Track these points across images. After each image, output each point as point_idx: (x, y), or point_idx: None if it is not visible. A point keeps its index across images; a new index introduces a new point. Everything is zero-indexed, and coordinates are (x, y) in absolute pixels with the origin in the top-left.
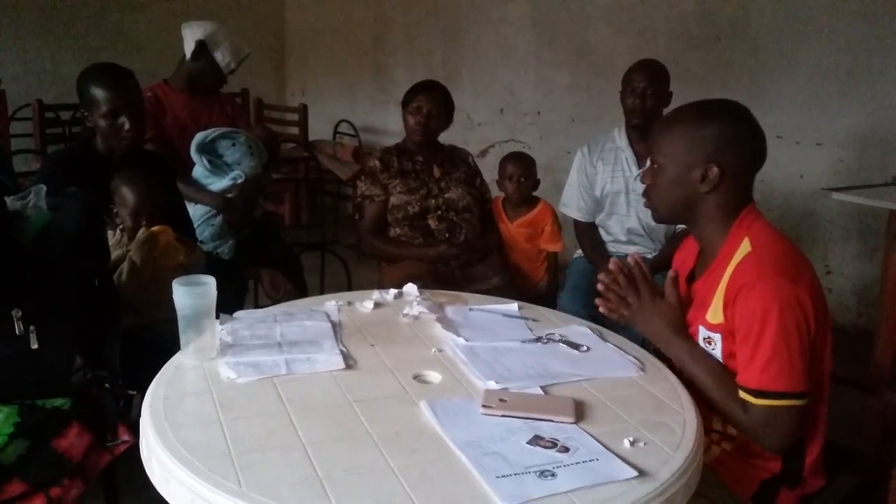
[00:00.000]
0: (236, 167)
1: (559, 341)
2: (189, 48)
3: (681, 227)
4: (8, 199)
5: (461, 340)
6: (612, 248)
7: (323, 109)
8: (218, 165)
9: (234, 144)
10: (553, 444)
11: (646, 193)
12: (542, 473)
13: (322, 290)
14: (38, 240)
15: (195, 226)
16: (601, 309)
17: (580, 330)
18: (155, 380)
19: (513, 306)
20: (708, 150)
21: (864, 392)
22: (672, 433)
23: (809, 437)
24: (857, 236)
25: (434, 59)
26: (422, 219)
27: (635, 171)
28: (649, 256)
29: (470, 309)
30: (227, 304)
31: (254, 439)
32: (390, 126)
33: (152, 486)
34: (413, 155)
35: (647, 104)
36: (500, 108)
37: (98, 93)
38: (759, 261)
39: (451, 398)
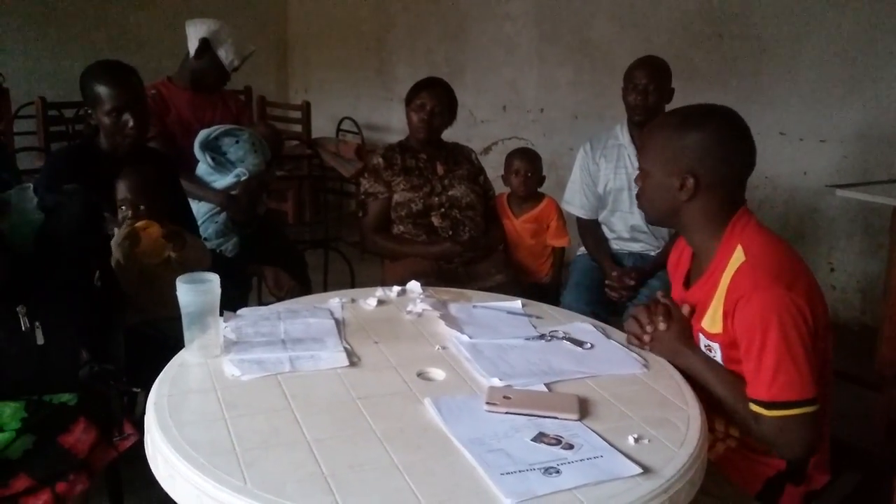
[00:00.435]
0: (240, 164)
1: (563, 338)
2: (193, 46)
3: None
4: None
5: (465, 337)
6: (615, 245)
7: (326, 107)
8: (221, 163)
9: (237, 142)
10: (557, 441)
11: (638, 196)
12: (547, 470)
13: (325, 288)
14: (39, 236)
15: (199, 223)
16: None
17: (584, 327)
18: (159, 377)
19: (516, 303)
20: (686, 159)
21: (867, 389)
22: (676, 430)
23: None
24: (860, 233)
25: (437, 57)
26: (425, 216)
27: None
28: (652, 254)
29: (473, 306)
30: (231, 302)
31: (258, 436)
32: (393, 123)
33: (157, 483)
34: (416, 152)
35: (648, 101)
36: (503, 105)
37: (101, 90)
38: (753, 271)
39: (455, 395)
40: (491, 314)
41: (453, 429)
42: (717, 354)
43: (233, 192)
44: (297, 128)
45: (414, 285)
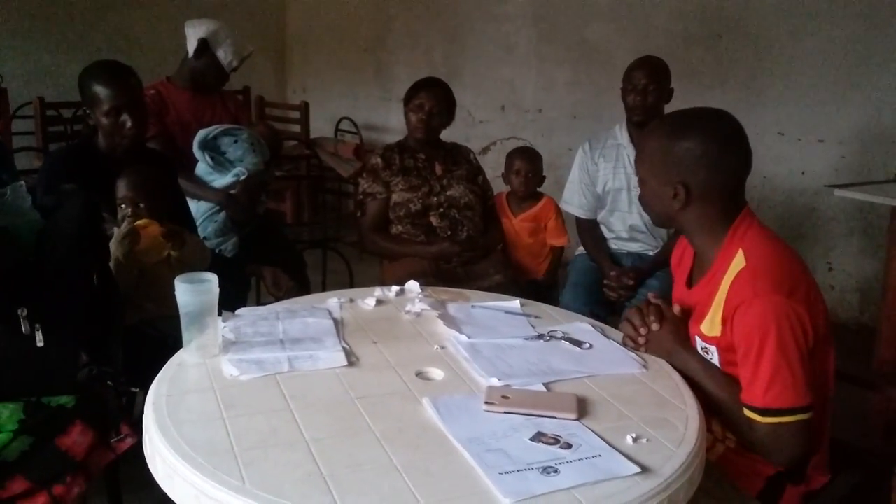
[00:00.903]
0: (239, 164)
1: (561, 338)
2: (192, 46)
3: None
4: None
5: (463, 337)
6: (613, 245)
7: (324, 107)
8: (220, 162)
9: (236, 141)
10: (556, 441)
11: (640, 200)
12: (545, 470)
13: (324, 288)
14: (40, 238)
15: (199, 223)
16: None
17: (582, 327)
18: (157, 377)
19: (515, 303)
20: (678, 168)
21: (866, 389)
22: (675, 429)
23: (815, 437)
24: (859, 233)
25: (435, 57)
26: (424, 216)
27: None
28: (650, 253)
29: (472, 306)
30: (230, 302)
31: (257, 436)
32: (392, 123)
33: (156, 483)
34: (415, 152)
35: (647, 101)
36: (502, 104)
37: (100, 90)
38: (753, 277)
39: (453, 395)
40: (489, 314)
41: (452, 428)
42: (715, 357)
43: (232, 192)
44: (296, 128)
45: (412, 285)
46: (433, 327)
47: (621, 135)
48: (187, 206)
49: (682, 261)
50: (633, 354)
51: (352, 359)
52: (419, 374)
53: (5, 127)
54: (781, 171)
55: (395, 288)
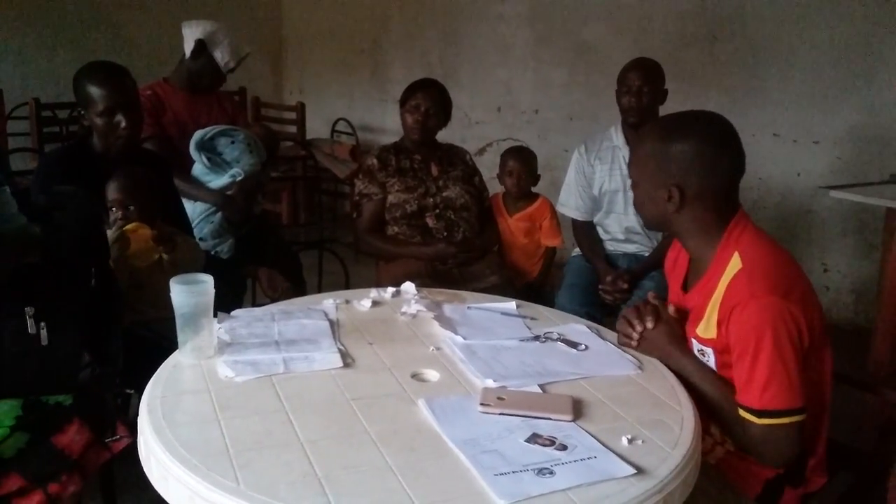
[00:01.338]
0: (235, 164)
1: (557, 340)
2: (189, 47)
3: None
4: None
5: (459, 339)
6: (609, 246)
7: (320, 108)
8: (217, 163)
9: (232, 142)
10: (551, 442)
11: (633, 203)
12: (541, 471)
13: (320, 289)
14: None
15: (195, 223)
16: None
17: (578, 328)
18: (152, 378)
19: (511, 305)
20: (671, 171)
21: (861, 390)
22: (670, 431)
23: (813, 439)
24: (854, 234)
25: (431, 58)
26: (420, 217)
27: None
28: (646, 254)
29: (468, 307)
30: (225, 303)
31: (252, 438)
32: (388, 124)
33: (151, 485)
34: (411, 153)
35: (642, 102)
36: (498, 106)
37: (94, 91)
38: (749, 279)
39: (449, 396)
40: (485, 315)
41: (447, 430)
42: (711, 359)
43: (228, 192)
44: (292, 129)
45: (408, 286)
46: (429, 328)
47: (617, 136)
48: (182, 207)
49: (677, 265)
50: (628, 356)
51: (347, 360)
52: (415, 376)
53: (0, 128)
54: (777, 172)
55: (390, 289)
